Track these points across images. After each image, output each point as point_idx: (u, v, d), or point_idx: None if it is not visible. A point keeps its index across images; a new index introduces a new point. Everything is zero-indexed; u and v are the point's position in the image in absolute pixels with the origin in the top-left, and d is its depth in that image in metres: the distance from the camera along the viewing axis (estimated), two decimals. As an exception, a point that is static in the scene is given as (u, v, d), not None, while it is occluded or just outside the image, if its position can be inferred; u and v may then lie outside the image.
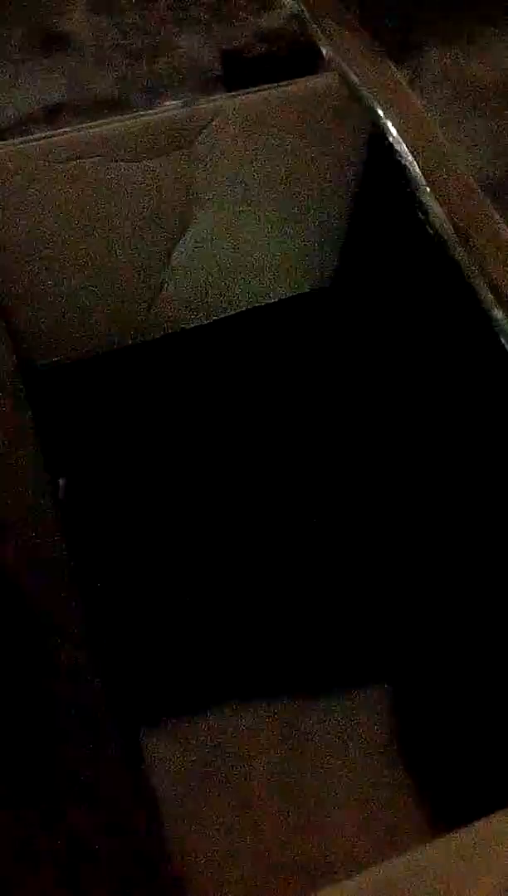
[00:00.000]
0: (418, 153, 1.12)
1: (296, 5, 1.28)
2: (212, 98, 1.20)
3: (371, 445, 1.26)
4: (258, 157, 1.17)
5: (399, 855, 0.69)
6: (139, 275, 1.16)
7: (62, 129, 1.17)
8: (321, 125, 1.18)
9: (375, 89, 1.18)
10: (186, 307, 1.18)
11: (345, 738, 1.08)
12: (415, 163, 1.11)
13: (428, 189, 1.09)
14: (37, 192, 1.11)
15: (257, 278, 1.19)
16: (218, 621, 1.18)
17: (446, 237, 1.06)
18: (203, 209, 1.16)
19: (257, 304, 1.20)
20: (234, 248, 1.18)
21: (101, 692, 0.80)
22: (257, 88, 1.20)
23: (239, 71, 1.28)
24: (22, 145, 1.13)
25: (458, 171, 1.10)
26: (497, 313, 0.99)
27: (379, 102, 1.17)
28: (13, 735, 0.79)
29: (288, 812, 1.03)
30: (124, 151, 1.13)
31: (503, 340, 0.98)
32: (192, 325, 1.20)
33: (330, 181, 1.19)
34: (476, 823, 0.70)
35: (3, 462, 0.93)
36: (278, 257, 1.19)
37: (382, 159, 1.14)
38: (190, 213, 1.16)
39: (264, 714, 1.11)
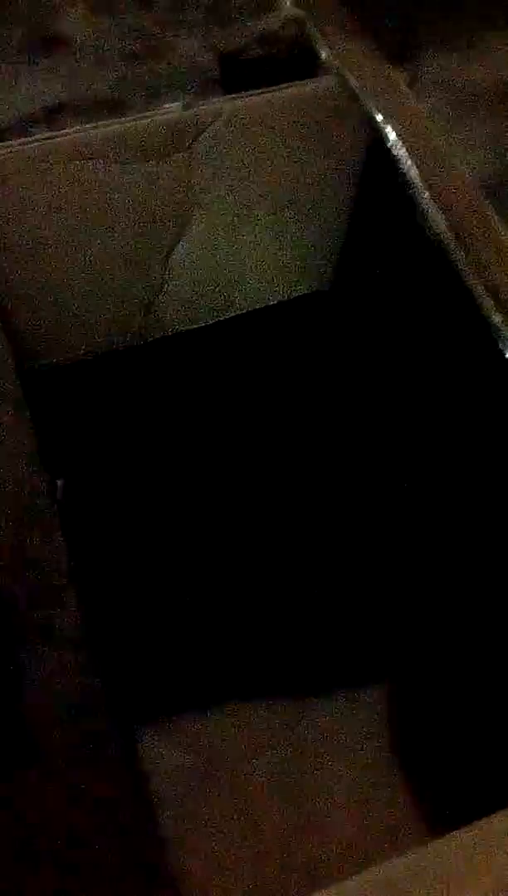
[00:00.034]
0: (417, 156, 1.12)
1: (295, 8, 1.28)
2: (212, 101, 1.20)
3: (371, 448, 1.27)
4: (258, 160, 1.17)
5: (399, 855, 0.70)
6: (139, 276, 1.15)
7: (62, 131, 1.17)
8: (320, 128, 1.18)
9: (374, 92, 1.19)
10: (186, 309, 1.18)
11: (345, 738, 1.09)
12: (414, 166, 1.11)
13: (427, 192, 1.09)
14: (37, 194, 1.11)
15: (256, 281, 1.19)
16: (218, 622, 1.18)
17: (444, 240, 1.06)
18: (202, 211, 1.16)
19: (256, 307, 1.20)
20: (233, 251, 1.18)
21: (100, 692, 0.80)
22: (256, 91, 1.20)
23: (237, 73, 1.28)
24: (22, 146, 1.13)
25: (457, 174, 1.11)
26: (496, 317, 0.99)
27: (378, 105, 1.17)
28: (13, 735, 0.79)
29: (288, 812, 1.03)
30: (124, 153, 1.13)
31: (501, 345, 0.98)
32: (191, 327, 1.20)
33: (329, 184, 1.19)
34: (476, 823, 0.70)
35: (2, 462, 0.93)
36: (277, 260, 1.19)
37: (381, 162, 1.15)
38: (189, 215, 1.16)
39: (264, 714, 1.11)
